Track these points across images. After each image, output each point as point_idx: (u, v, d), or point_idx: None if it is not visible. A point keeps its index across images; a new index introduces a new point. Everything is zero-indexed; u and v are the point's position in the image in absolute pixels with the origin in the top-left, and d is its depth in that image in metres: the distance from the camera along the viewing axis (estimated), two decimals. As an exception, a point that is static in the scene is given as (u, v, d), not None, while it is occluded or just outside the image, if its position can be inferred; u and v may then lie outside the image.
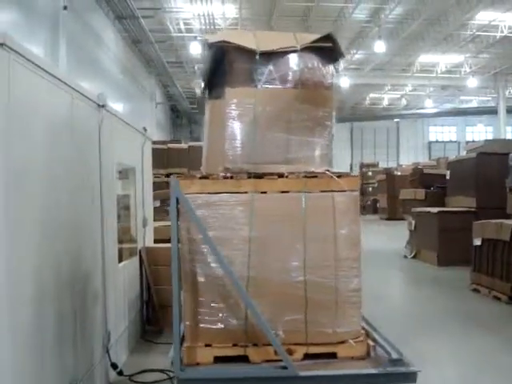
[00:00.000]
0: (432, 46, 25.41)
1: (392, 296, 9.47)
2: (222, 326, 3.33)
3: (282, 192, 3.41)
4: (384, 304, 7.87)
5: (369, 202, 28.31)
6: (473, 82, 30.42)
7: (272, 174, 3.43)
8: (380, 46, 22.64)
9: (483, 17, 21.50)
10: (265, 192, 3.39)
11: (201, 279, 3.33)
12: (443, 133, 46.85)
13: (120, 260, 5.61)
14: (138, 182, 6.42)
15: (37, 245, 3.39)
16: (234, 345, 3.34)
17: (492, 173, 11.07)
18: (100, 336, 4.65)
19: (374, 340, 3.58)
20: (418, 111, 40.31)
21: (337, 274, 3.37)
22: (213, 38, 3.68)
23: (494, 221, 8.71)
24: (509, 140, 25.06)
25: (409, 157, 41.89)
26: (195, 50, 22.40)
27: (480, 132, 44.98)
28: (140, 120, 15.58)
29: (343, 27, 21.71)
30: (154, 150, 7.74)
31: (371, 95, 38.39)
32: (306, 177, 3.42)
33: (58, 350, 3.68)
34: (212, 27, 21.18)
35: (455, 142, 45.57)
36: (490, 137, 39.65)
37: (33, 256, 3.32)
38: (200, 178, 3.42)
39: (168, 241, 3.38)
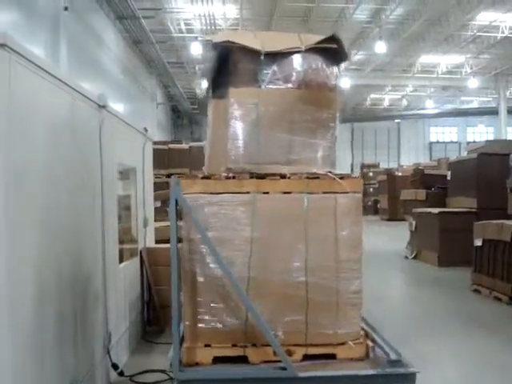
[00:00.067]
0: (433, 47, 25.42)
1: (393, 297, 9.47)
2: (222, 326, 3.32)
3: (284, 193, 3.39)
4: (385, 305, 7.87)
5: (370, 203, 28.27)
6: (473, 83, 30.44)
7: (274, 174, 3.41)
8: (381, 47, 22.66)
9: (484, 17, 21.51)
10: (267, 192, 3.37)
11: (200, 279, 3.32)
12: (444, 133, 46.87)
13: (121, 260, 5.60)
14: (138, 183, 6.42)
15: (37, 245, 3.38)
16: (234, 345, 3.33)
17: (493, 173, 11.05)
18: (101, 336, 4.65)
19: (373, 341, 3.57)
20: (419, 112, 40.27)
21: (338, 276, 3.36)
22: (217, 38, 3.66)
23: (494, 221, 8.70)
24: (510, 140, 24.94)
25: (410, 157, 41.86)
26: (196, 50, 22.43)
27: (481, 133, 45.00)
28: (141, 120, 15.57)
29: (344, 28, 21.68)
30: (155, 151, 7.73)
31: (372, 96, 38.41)
32: (308, 178, 3.40)
33: (59, 350, 3.67)
34: (213, 28, 21.20)
35: (456, 142, 45.57)
36: (490, 137, 39.59)
37: (33, 256, 3.32)
38: (202, 177, 3.41)
39: (169, 241, 3.37)
